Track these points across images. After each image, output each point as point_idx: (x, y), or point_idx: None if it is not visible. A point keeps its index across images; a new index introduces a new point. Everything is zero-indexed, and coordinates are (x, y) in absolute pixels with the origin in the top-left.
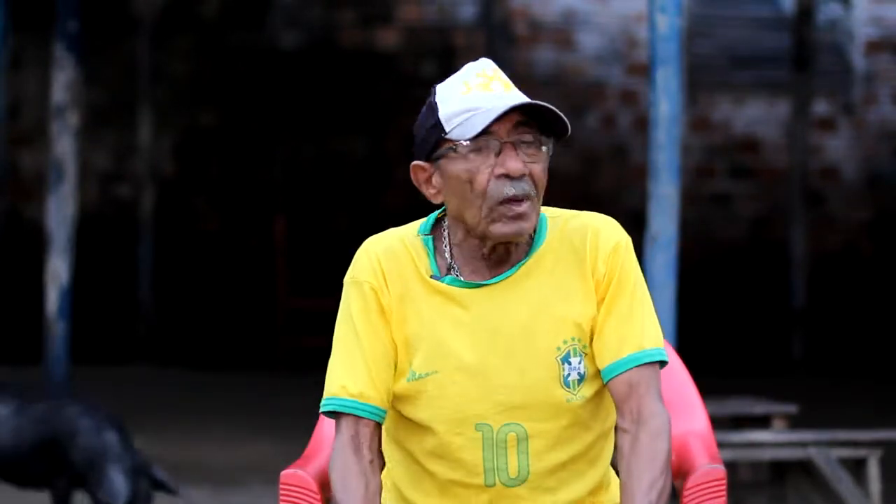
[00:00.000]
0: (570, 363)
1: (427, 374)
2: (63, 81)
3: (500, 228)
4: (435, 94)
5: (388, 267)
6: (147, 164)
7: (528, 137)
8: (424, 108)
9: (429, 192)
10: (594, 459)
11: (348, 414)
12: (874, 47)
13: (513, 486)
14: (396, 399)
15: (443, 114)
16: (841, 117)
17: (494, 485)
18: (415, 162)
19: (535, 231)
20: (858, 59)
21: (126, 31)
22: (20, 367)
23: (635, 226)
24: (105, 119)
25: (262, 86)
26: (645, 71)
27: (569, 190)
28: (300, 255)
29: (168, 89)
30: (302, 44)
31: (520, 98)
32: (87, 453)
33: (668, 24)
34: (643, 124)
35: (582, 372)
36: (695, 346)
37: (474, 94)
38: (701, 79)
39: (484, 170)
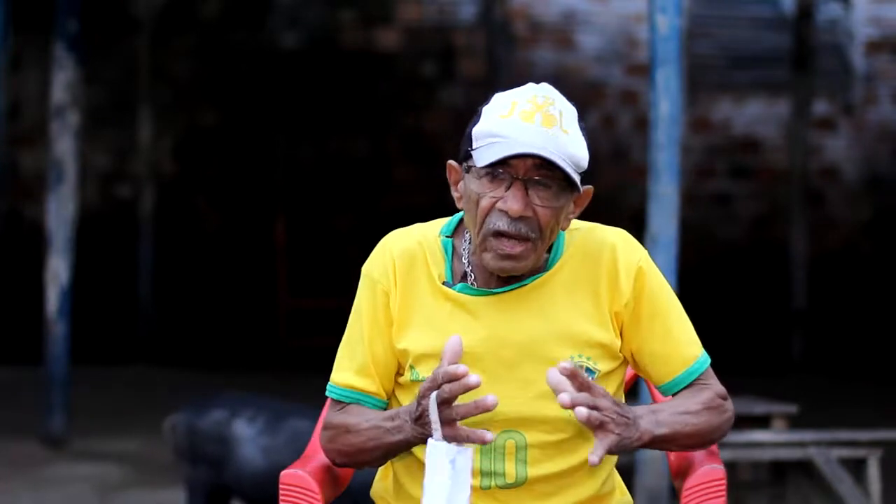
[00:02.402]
0: None
1: None
2: (63, 81)
3: (489, 261)
4: (488, 101)
5: (401, 269)
6: (147, 164)
7: (544, 181)
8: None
9: (454, 194)
10: (594, 470)
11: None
12: (874, 47)
13: (509, 490)
14: (399, 389)
15: (477, 129)
16: (841, 117)
17: (490, 488)
18: (451, 161)
19: (551, 248)
20: (858, 59)
21: (126, 31)
22: (20, 367)
23: (635, 226)
24: (105, 119)
25: (262, 86)
26: (645, 71)
27: None
28: (300, 255)
29: (168, 89)
30: (302, 44)
31: (546, 142)
32: (362, 486)
33: (668, 24)
34: (643, 124)
35: None
36: None
37: (511, 121)
38: (701, 79)
39: (490, 198)
